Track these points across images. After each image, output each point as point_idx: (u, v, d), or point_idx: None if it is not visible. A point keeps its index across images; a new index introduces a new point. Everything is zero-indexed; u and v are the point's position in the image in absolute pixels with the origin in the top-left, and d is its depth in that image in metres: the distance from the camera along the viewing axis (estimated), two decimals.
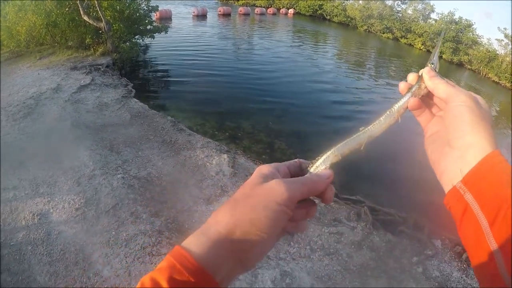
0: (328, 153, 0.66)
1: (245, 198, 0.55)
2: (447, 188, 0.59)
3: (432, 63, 0.67)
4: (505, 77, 35.78)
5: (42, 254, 4.09)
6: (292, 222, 0.60)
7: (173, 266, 0.46)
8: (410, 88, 0.67)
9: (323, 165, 0.65)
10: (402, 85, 0.68)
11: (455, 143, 0.58)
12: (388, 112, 0.66)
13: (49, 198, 4.96)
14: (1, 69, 11.11)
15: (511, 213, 0.48)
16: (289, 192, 0.54)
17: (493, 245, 0.48)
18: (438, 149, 0.64)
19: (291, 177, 0.63)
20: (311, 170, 0.65)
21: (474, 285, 4.72)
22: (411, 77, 0.68)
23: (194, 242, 0.50)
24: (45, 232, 4.38)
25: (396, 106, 0.66)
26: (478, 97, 0.62)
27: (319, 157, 0.66)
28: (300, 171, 0.66)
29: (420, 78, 0.66)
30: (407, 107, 0.66)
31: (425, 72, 0.65)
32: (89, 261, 4.03)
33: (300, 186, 0.57)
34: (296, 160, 0.68)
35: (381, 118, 0.66)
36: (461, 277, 4.80)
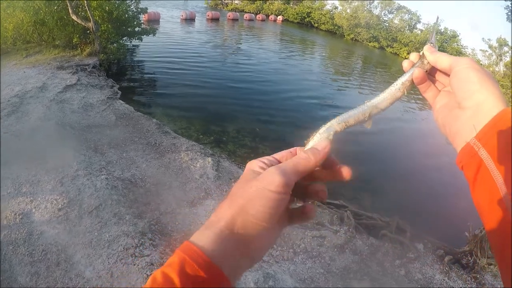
0: (332, 121, 0.65)
1: (241, 192, 0.55)
2: (460, 147, 0.59)
3: (431, 43, 0.70)
4: None
5: (24, 254, 4.04)
6: (298, 208, 0.62)
7: (183, 260, 0.47)
8: (413, 65, 0.70)
9: (325, 133, 0.64)
10: (405, 63, 0.72)
11: (465, 103, 0.59)
12: (393, 85, 0.69)
13: (31, 198, 4.91)
14: None
15: None
16: (281, 177, 0.53)
17: (508, 202, 0.48)
18: (449, 114, 0.64)
19: None
20: (312, 139, 0.65)
21: (456, 287, 4.84)
22: (413, 56, 0.72)
23: (201, 237, 0.51)
24: (27, 232, 4.33)
25: (401, 79, 0.69)
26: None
27: (322, 126, 0.66)
28: None
29: (422, 55, 0.69)
30: (412, 80, 0.68)
31: (426, 49, 0.68)
32: (71, 262, 4.00)
33: (292, 168, 0.56)
34: (292, 149, 0.66)
35: (386, 90, 0.68)
36: (444, 280, 4.92)
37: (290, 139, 9.76)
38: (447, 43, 46.76)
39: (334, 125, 0.65)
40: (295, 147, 0.66)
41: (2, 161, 5.58)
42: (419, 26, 53.15)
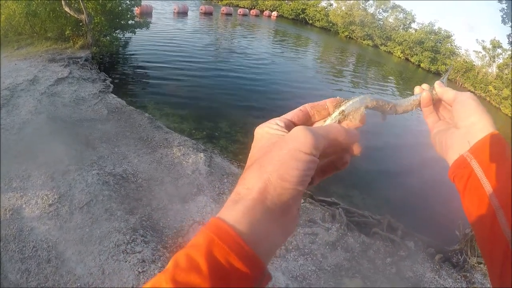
0: (366, 95, 0.65)
1: (269, 157, 0.48)
2: (453, 160, 0.67)
3: (442, 81, 0.79)
4: (480, 87, 36.99)
5: (14, 251, 4.00)
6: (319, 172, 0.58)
7: (211, 241, 0.41)
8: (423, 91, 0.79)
9: (358, 104, 0.62)
10: (417, 89, 0.80)
11: (461, 123, 0.68)
12: (406, 99, 0.76)
13: (22, 193, 4.85)
14: None
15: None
16: (314, 139, 0.48)
17: (497, 208, 0.55)
18: (444, 134, 0.73)
19: None
20: (344, 104, 0.61)
21: (446, 285, 4.89)
22: (425, 86, 0.80)
23: (231, 214, 0.44)
24: (17, 228, 4.28)
25: (413, 97, 0.77)
26: None
27: (355, 97, 0.63)
28: (307, 120, 0.61)
29: (432, 87, 0.78)
30: (420, 100, 0.77)
31: (436, 83, 0.78)
32: (62, 259, 3.97)
33: (323, 133, 0.51)
34: (302, 106, 0.62)
35: (401, 101, 0.74)
36: (434, 278, 4.97)
37: None
38: (441, 43, 47.03)
39: (368, 99, 0.64)
40: (304, 105, 0.62)
41: None
42: (413, 25, 53.40)
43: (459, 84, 40.69)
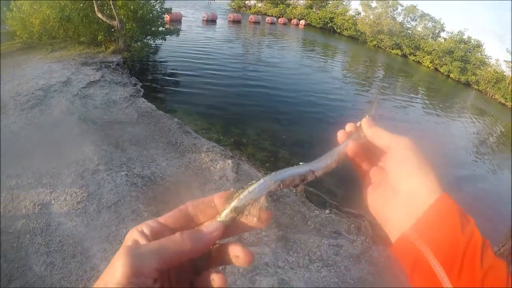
0: (266, 177, 0.55)
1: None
2: (394, 236, 0.55)
3: (370, 115, 0.67)
4: None
5: (40, 244, 4.07)
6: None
7: None
8: (348, 137, 0.67)
9: (256, 194, 0.52)
10: (340, 134, 0.68)
11: (401, 187, 0.55)
12: (328, 155, 0.64)
13: (51, 189, 4.96)
14: (12, 58, 11.23)
15: (469, 259, 0.47)
16: (127, 267, 0.40)
17: None
18: (381, 196, 0.61)
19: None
20: (235, 203, 0.52)
21: None
22: (349, 127, 0.68)
23: None
24: (44, 223, 4.36)
25: (336, 150, 0.65)
26: None
27: (253, 183, 0.54)
28: (187, 222, 0.52)
29: (359, 127, 0.66)
30: (346, 153, 0.64)
31: (364, 122, 0.65)
32: (87, 255, 4.01)
33: (154, 251, 0.43)
34: (183, 206, 0.54)
35: (322, 159, 0.63)
36: None
37: (308, 144, 9.68)
38: (471, 52, 46.03)
39: (269, 183, 0.54)
40: (186, 203, 0.54)
41: (24, 151, 5.68)
42: (442, 34, 52.53)
43: (489, 95, 39.60)
